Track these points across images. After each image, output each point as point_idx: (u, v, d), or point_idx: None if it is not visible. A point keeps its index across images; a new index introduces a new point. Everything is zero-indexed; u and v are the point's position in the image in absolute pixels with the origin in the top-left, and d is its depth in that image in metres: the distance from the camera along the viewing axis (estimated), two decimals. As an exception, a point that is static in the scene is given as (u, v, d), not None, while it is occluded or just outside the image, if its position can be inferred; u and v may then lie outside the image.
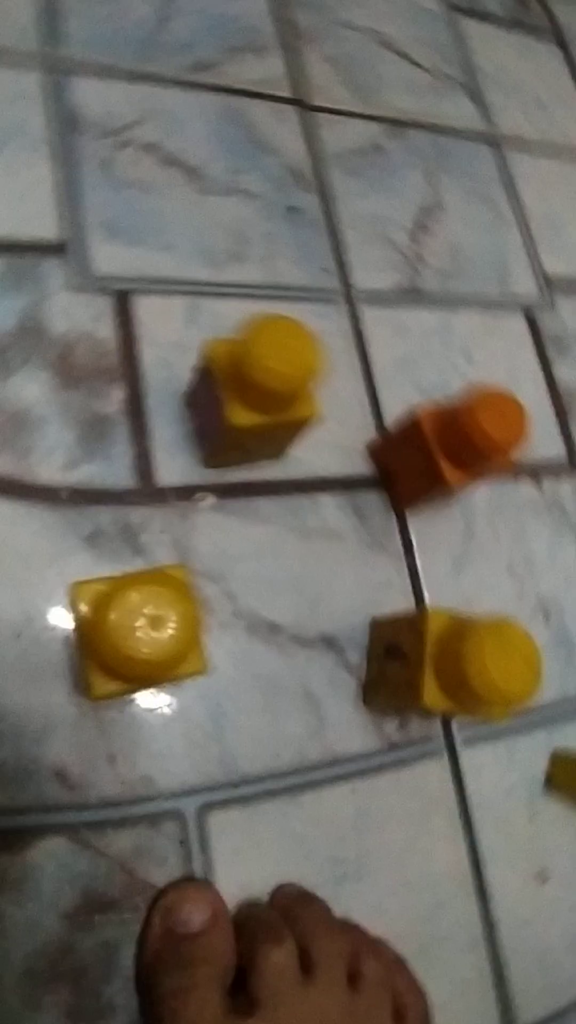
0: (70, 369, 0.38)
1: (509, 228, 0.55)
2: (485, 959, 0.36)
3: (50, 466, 0.36)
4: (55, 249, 0.41)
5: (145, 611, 0.28)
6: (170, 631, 0.28)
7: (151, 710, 0.34)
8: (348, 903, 0.34)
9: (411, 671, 0.34)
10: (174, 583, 0.30)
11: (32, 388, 0.37)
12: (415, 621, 0.35)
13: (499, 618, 0.32)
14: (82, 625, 0.30)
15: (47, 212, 0.41)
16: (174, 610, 0.29)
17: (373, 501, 0.43)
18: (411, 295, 0.50)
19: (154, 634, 0.28)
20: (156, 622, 0.28)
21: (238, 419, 0.33)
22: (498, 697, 0.30)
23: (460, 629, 0.32)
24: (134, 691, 0.33)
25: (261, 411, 0.33)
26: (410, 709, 0.38)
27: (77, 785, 0.32)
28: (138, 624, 0.28)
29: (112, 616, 0.28)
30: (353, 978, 0.31)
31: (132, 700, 0.34)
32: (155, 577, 0.30)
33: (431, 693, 0.32)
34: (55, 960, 0.30)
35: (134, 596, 0.29)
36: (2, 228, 0.40)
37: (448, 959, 0.36)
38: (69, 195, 0.42)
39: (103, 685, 0.30)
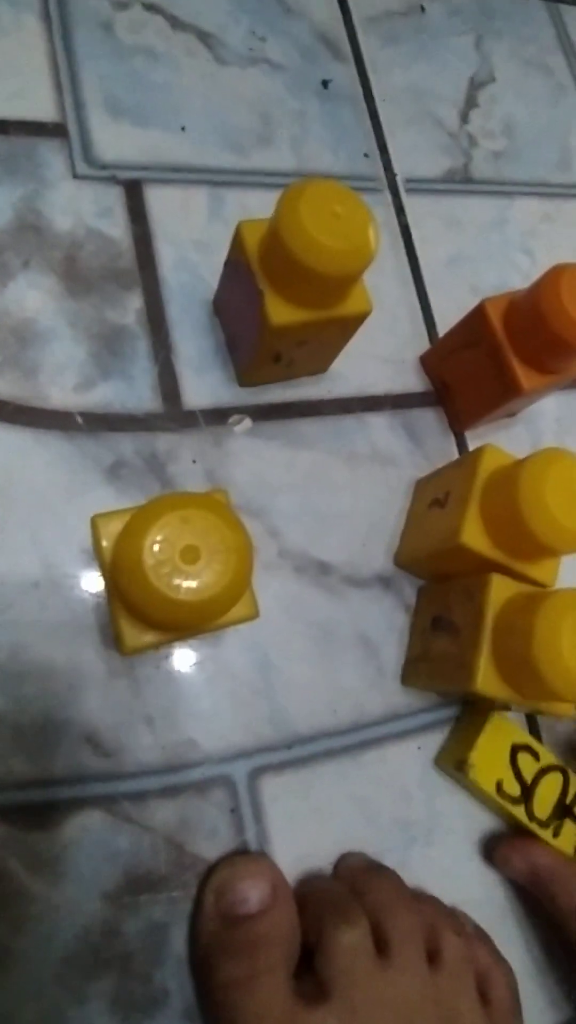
0: (78, 272, 0.33)
1: (569, 100, 0.48)
2: (567, 922, 0.33)
3: (62, 387, 0.31)
4: (52, 130, 0.34)
5: (183, 543, 0.23)
6: (216, 567, 0.23)
7: (191, 664, 0.30)
8: (419, 870, 0.31)
9: (463, 649, 0.28)
10: (218, 508, 0.24)
11: (35, 295, 0.32)
12: (472, 588, 0.29)
13: None
14: (107, 566, 0.25)
15: (40, 84, 0.35)
16: (221, 541, 0.23)
17: (428, 420, 0.37)
18: (463, 183, 0.43)
19: (195, 571, 0.23)
20: (197, 556, 0.23)
21: (280, 317, 0.27)
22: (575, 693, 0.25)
23: (530, 602, 0.26)
24: (172, 642, 0.29)
25: (307, 306, 0.27)
26: (458, 695, 0.32)
27: (112, 752, 0.28)
28: (175, 560, 0.23)
29: (142, 551, 0.23)
30: (432, 956, 0.27)
31: (169, 654, 0.30)
32: (193, 500, 0.24)
33: (487, 678, 0.27)
34: (99, 946, 0.26)
35: (168, 525, 0.23)
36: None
37: (529, 925, 0.32)
38: (66, 64, 0.35)
39: (135, 637, 0.25)
